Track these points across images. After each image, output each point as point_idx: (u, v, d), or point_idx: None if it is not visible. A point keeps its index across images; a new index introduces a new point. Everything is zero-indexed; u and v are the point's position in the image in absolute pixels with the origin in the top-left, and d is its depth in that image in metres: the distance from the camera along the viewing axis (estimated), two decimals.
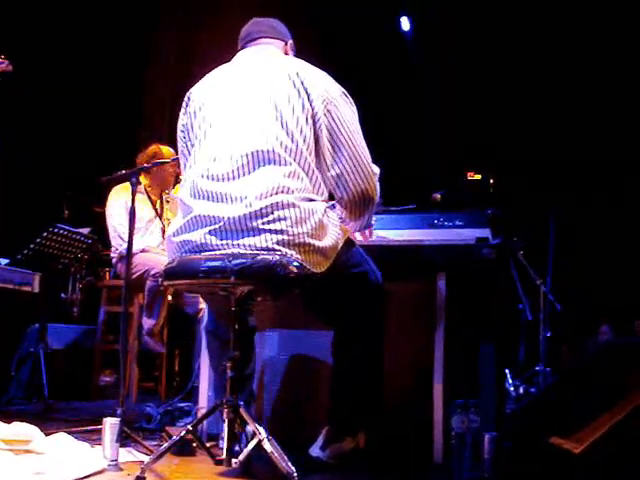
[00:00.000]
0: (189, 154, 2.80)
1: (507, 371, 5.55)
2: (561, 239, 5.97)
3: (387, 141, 6.39)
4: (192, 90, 2.88)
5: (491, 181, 3.50)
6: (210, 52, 3.84)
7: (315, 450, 2.84)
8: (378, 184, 2.83)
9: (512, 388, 5.64)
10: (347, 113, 2.72)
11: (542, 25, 6.60)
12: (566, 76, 6.49)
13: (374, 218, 3.03)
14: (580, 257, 6.23)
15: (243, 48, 2.93)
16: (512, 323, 5.91)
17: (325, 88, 2.69)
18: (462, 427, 2.76)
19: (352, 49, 7.10)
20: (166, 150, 4.91)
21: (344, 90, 2.77)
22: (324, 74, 2.77)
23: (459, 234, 3.06)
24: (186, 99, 2.88)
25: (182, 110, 2.89)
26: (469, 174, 3.55)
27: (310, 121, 2.63)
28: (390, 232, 3.15)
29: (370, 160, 2.76)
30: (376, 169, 2.81)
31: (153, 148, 4.95)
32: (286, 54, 2.94)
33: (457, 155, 6.21)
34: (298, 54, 2.97)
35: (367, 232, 3.12)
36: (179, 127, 2.89)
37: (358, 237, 3.08)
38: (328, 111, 2.66)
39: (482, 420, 2.77)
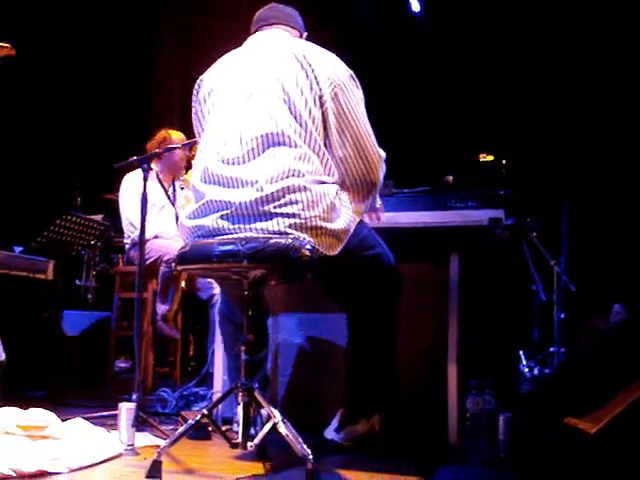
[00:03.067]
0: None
1: (521, 352, 5.55)
2: (575, 220, 5.95)
3: (399, 123, 6.38)
4: (202, 77, 2.88)
5: (504, 162, 3.47)
6: (219, 40, 3.84)
7: (330, 432, 2.84)
8: (383, 168, 2.83)
9: (526, 369, 5.64)
10: (354, 97, 2.71)
11: (561, 5, 6.53)
12: (581, 57, 6.44)
13: (379, 201, 3.02)
14: (594, 238, 6.20)
15: (257, 31, 2.91)
16: (526, 304, 5.89)
17: (333, 70, 2.68)
18: (477, 408, 2.76)
19: (364, 29, 7.07)
20: (175, 134, 4.91)
21: (352, 73, 2.76)
22: (332, 56, 2.76)
23: (472, 215, 3.04)
24: (196, 86, 2.88)
25: (193, 97, 2.89)
26: (481, 155, 3.53)
27: (318, 102, 2.63)
28: (403, 214, 3.14)
29: (375, 144, 2.76)
30: (382, 153, 2.81)
31: (162, 134, 4.95)
32: None
33: (470, 136, 6.17)
34: (310, 39, 2.95)
35: (374, 215, 3.10)
36: (192, 113, 2.90)
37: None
38: (335, 94, 2.65)
39: (497, 401, 2.77)
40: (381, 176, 2.82)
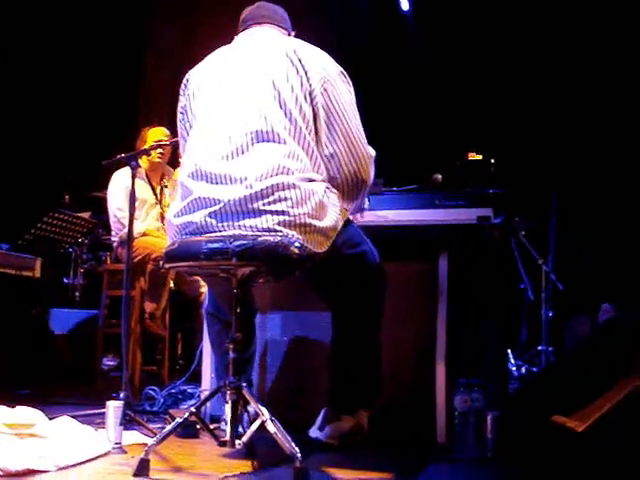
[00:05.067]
0: (188, 135, 2.79)
1: (509, 351, 5.57)
2: (563, 218, 5.97)
3: (388, 122, 6.39)
4: (191, 72, 2.87)
5: (492, 161, 3.49)
6: (210, 36, 3.85)
7: (314, 431, 2.84)
8: (373, 167, 2.83)
9: (514, 368, 5.66)
10: (344, 93, 2.71)
11: (545, 4, 6.55)
12: (568, 54, 6.45)
13: (367, 202, 3.03)
14: (582, 236, 6.22)
15: (245, 30, 2.91)
16: (514, 303, 5.91)
17: (323, 66, 2.69)
18: (465, 407, 2.77)
19: (351, 29, 7.07)
20: (151, 133, 4.91)
21: (342, 69, 2.76)
22: (322, 52, 2.77)
23: (461, 214, 3.04)
24: (185, 81, 2.87)
25: (181, 92, 2.88)
26: (470, 154, 3.54)
27: (309, 98, 2.63)
28: (392, 212, 3.14)
29: (365, 141, 2.76)
30: (372, 151, 2.81)
31: (144, 131, 4.98)
32: None
33: (458, 135, 6.18)
34: (299, 36, 2.95)
35: (359, 215, 3.12)
36: (178, 109, 2.89)
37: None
38: (325, 90, 2.65)
39: (485, 399, 2.78)
40: (371, 174, 2.82)
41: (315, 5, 6.60)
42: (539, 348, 5.78)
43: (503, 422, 2.72)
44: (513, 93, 6.61)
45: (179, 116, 2.88)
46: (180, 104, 2.87)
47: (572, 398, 2.56)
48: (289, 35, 2.95)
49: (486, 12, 6.77)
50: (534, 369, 5.73)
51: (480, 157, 3.49)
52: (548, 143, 6.44)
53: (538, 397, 2.83)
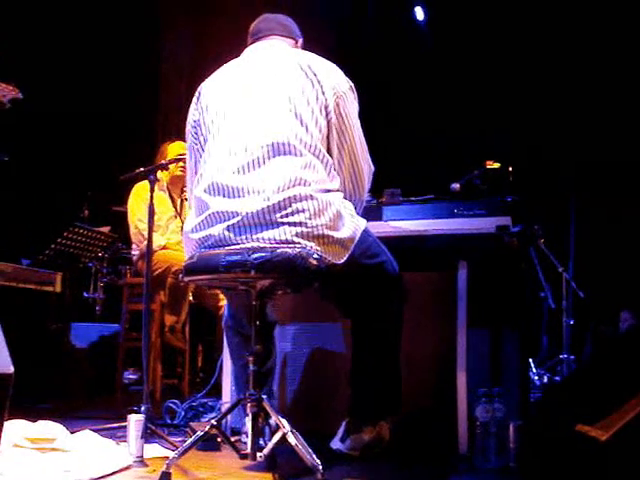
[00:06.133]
0: (202, 149, 2.79)
1: (531, 360, 5.53)
2: (582, 226, 5.94)
3: (405, 132, 6.39)
4: (203, 85, 2.87)
5: (510, 169, 3.48)
6: (224, 47, 3.86)
7: (335, 442, 2.83)
8: (369, 182, 2.90)
9: (536, 377, 5.63)
10: (352, 110, 2.77)
11: (560, 9, 6.53)
12: (585, 59, 6.43)
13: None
14: (601, 244, 6.18)
15: (253, 43, 2.92)
16: (535, 311, 5.87)
17: (336, 81, 2.72)
18: (486, 416, 2.75)
19: (367, 38, 7.09)
20: (171, 148, 4.91)
21: (352, 84, 2.80)
22: (334, 66, 2.79)
23: (479, 223, 3.03)
24: (197, 94, 2.87)
25: (193, 105, 2.87)
26: (487, 163, 3.53)
27: (324, 112, 2.65)
28: (410, 222, 3.14)
29: (367, 158, 2.84)
30: (372, 167, 2.88)
31: (164, 145, 4.99)
32: None
33: (475, 144, 6.17)
34: (310, 45, 2.96)
35: None
36: (189, 122, 2.87)
37: None
38: (337, 105, 2.69)
39: (506, 409, 2.76)
40: (367, 190, 2.90)
41: (326, 12, 6.61)
42: (561, 357, 5.74)
43: (525, 432, 2.70)
44: (530, 101, 6.59)
45: (191, 130, 2.86)
46: (192, 117, 2.85)
47: (595, 407, 2.54)
48: (297, 44, 2.97)
49: (504, 20, 6.76)
50: (556, 378, 5.69)
51: (498, 165, 3.48)
52: (566, 150, 6.41)
53: (560, 406, 2.80)
